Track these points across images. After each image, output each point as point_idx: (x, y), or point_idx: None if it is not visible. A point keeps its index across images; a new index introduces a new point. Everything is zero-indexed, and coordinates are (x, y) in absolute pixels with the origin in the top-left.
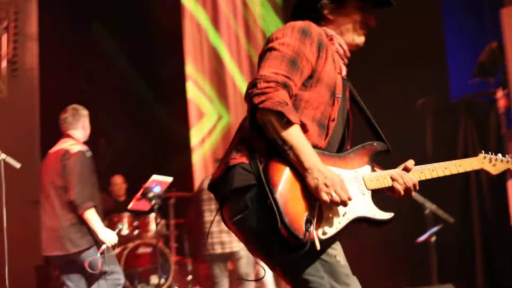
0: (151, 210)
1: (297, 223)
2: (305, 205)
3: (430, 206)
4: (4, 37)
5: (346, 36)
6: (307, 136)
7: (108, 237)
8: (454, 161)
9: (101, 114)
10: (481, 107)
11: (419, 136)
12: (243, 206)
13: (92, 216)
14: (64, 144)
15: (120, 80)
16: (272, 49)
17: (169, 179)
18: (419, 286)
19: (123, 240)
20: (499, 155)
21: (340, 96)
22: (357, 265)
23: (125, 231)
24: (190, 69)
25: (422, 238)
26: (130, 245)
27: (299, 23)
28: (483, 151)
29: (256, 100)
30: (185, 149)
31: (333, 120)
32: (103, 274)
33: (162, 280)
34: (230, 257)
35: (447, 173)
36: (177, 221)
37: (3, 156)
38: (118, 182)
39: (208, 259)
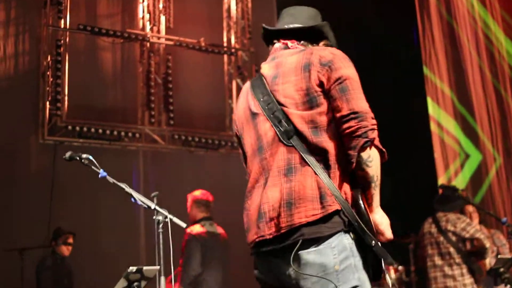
0: None
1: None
2: None
3: None
4: None
5: None
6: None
7: None
8: None
9: None
10: None
11: None
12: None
13: None
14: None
15: None
16: (349, 78)
17: None
18: None
19: None
20: None
21: None
22: None
23: None
24: (432, 109)
25: None
26: None
27: (341, 53)
28: None
29: (373, 135)
30: (430, 190)
31: None
32: None
33: None
34: None
35: None
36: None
37: (170, 216)
38: None
39: None
